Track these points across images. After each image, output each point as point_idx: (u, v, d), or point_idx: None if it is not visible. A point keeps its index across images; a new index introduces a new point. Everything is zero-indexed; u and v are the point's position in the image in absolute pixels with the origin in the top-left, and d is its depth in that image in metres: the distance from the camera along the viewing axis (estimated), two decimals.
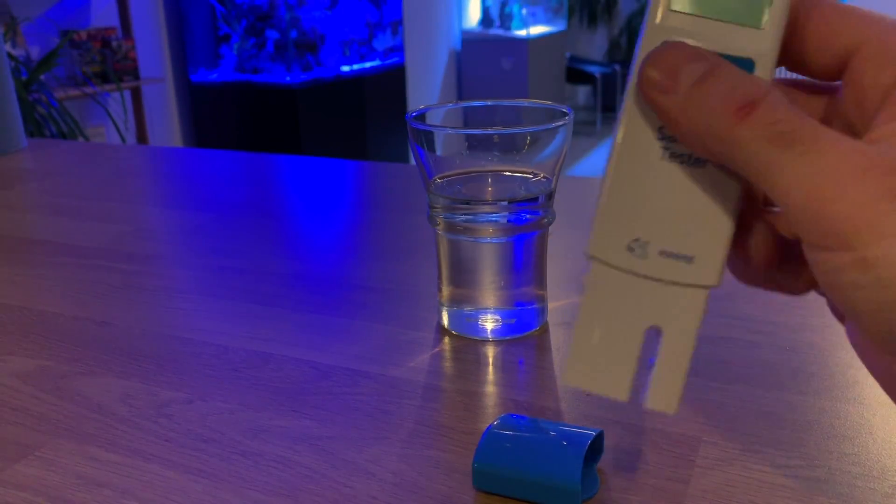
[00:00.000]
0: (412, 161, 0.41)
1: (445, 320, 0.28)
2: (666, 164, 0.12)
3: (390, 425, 0.22)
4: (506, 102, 0.28)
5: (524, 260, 0.27)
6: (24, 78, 1.46)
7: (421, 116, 0.26)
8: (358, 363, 0.26)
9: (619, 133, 0.13)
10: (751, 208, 0.13)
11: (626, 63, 3.54)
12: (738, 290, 0.32)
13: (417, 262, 0.35)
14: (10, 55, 1.42)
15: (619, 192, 0.13)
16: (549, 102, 0.27)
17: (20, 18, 1.60)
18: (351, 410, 0.23)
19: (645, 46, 0.12)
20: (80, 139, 1.51)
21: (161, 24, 2.05)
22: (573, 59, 3.44)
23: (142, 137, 1.91)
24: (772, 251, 0.13)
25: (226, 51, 2.13)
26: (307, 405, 0.23)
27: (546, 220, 0.27)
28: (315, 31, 2.16)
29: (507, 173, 0.26)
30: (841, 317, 0.14)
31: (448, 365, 0.26)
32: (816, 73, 0.13)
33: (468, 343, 0.27)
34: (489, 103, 0.28)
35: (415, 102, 2.62)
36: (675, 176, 0.12)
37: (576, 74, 3.40)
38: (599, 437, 0.19)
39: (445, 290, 0.28)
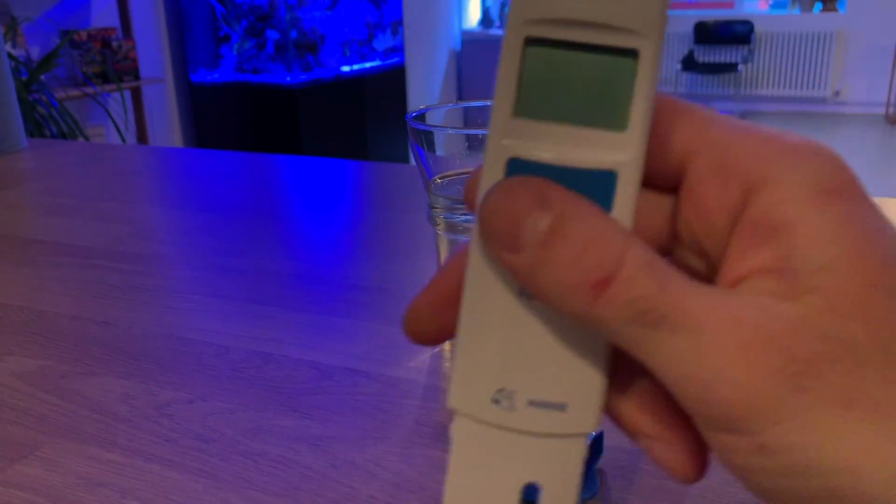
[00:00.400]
0: (412, 161, 0.41)
1: None
2: (524, 303, 0.11)
3: (390, 425, 0.22)
4: None
5: None
6: (24, 78, 1.46)
7: (421, 117, 0.26)
8: (358, 363, 0.26)
9: (468, 266, 0.11)
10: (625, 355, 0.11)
11: None
12: None
13: (417, 262, 0.35)
14: (10, 55, 1.42)
15: (475, 337, 0.11)
16: None
17: (20, 18, 1.60)
18: (351, 410, 0.23)
19: (486, 171, 0.10)
20: (81, 139, 1.51)
21: (161, 24, 2.05)
22: None
23: (142, 137, 1.91)
24: (654, 413, 0.11)
25: (226, 51, 2.13)
26: (307, 405, 0.23)
27: None
28: (315, 32, 2.16)
29: None
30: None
31: (448, 365, 0.26)
32: (649, 176, 0.11)
33: None
34: (489, 103, 0.28)
35: (415, 103, 2.62)
36: (536, 316, 0.11)
37: None
38: (599, 438, 0.19)
39: None
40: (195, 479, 0.20)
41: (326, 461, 0.21)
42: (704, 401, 0.09)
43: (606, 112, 0.10)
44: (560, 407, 0.11)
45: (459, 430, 0.11)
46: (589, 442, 0.11)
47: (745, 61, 3.44)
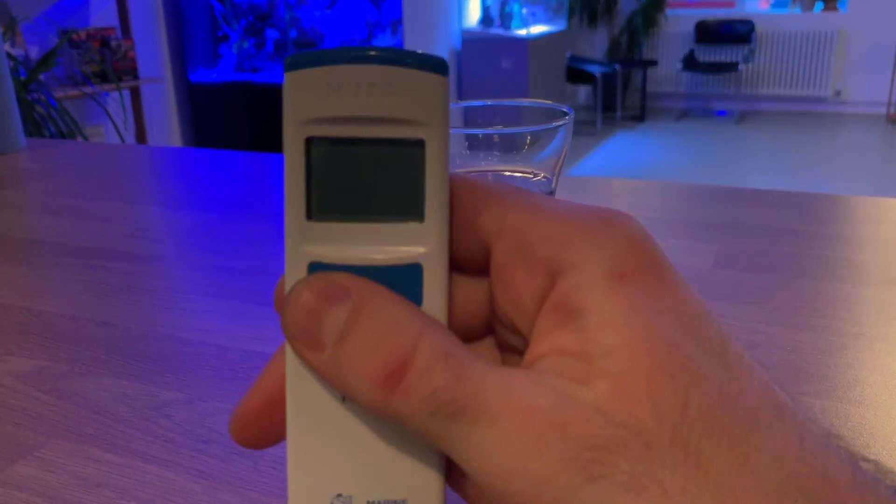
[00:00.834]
0: None
1: None
2: (346, 403, 0.10)
3: None
4: (506, 102, 0.28)
5: None
6: (23, 78, 1.46)
7: None
8: None
9: (287, 370, 0.10)
10: None
11: (626, 62, 3.54)
12: (738, 291, 0.32)
13: None
14: (9, 55, 1.42)
15: (304, 442, 0.11)
16: (550, 102, 0.26)
17: (19, 18, 1.60)
18: None
19: (289, 276, 0.10)
20: (80, 139, 1.51)
21: (160, 23, 2.04)
22: (573, 58, 3.44)
23: (141, 137, 1.90)
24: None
25: (225, 50, 2.13)
26: None
27: None
28: (315, 31, 2.16)
29: (507, 173, 0.26)
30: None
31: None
32: (463, 260, 0.11)
33: None
34: (489, 103, 0.28)
35: None
36: (359, 415, 0.10)
37: (576, 74, 3.40)
38: None
39: None
40: (194, 480, 0.20)
41: None
42: (505, 493, 0.09)
43: (401, 205, 0.10)
44: None
45: None
46: None
47: (745, 61, 3.44)
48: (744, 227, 0.39)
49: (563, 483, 0.09)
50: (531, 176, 0.26)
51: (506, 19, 3.17)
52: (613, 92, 3.44)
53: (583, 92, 3.73)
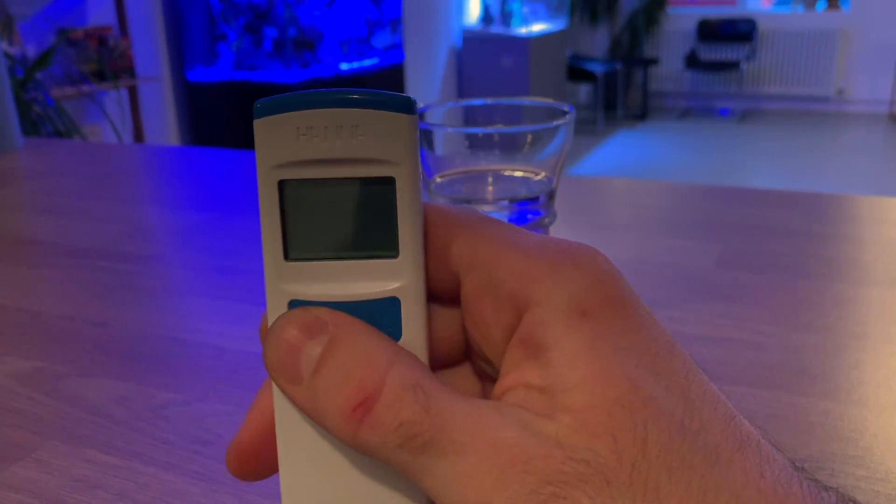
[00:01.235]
0: None
1: None
2: (332, 436, 0.10)
3: None
4: (506, 101, 0.27)
5: None
6: (20, 76, 1.45)
7: (421, 115, 0.26)
8: None
9: (275, 403, 0.11)
10: None
11: (628, 61, 3.54)
12: (740, 291, 0.32)
13: None
14: (6, 53, 1.42)
15: (295, 473, 0.11)
16: (550, 101, 0.26)
17: (16, 16, 1.59)
18: None
19: (271, 313, 0.11)
20: (77, 138, 1.50)
21: (158, 22, 2.04)
22: (574, 56, 3.44)
23: (138, 136, 1.90)
24: None
25: (223, 49, 2.12)
26: None
27: (547, 220, 0.26)
28: (313, 29, 2.15)
29: (508, 172, 0.26)
30: None
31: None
32: (439, 291, 0.11)
33: None
34: (489, 102, 0.27)
35: None
36: (346, 448, 0.11)
37: (577, 72, 3.39)
38: None
39: None
40: (192, 482, 0.20)
41: None
42: None
43: (375, 242, 0.10)
44: None
45: None
46: None
47: (748, 59, 3.43)
48: (746, 227, 0.39)
49: None
50: (532, 175, 0.26)
51: (506, 17, 3.16)
52: (615, 90, 3.43)
53: (584, 91, 3.72)
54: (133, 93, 1.89)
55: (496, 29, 3.11)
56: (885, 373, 0.24)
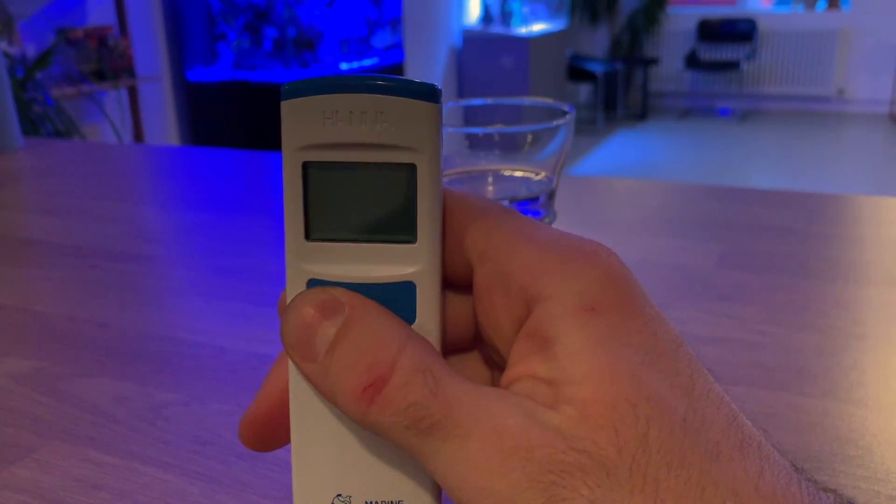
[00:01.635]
0: None
1: None
2: (340, 415, 0.11)
3: None
4: (506, 101, 0.27)
5: None
6: (20, 76, 1.45)
7: None
8: None
9: (290, 377, 0.11)
10: None
11: (628, 61, 3.53)
12: (741, 291, 0.32)
13: None
14: (5, 53, 1.42)
15: (308, 445, 0.11)
16: (551, 100, 0.26)
17: (16, 16, 1.59)
18: None
19: (290, 291, 0.11)
20: (77, 138, 1.50)
21: (158, 22, 2.04)
22: (574, 56, 3.44)
23: (138, 136, 1.90)
24: None
25: (223, 49, 2.12)
26: None
27: (547, 220, 0.26)
28: (313, 29, 2.15)
29: (508, 172, 0.26)
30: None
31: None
32: (453, 278, 0.11)
33: None
34: (490, 102, 0.27)
35: None
36: (355, 427, 0.11)
37: (577, 72, 3.39)
38: None
39: None
40: (192, 482, 0.20)
41: None
42: None
43: (394, 226, 0.11)
44: None
45: None
46: None
47: (748, 59, 3.43)
48: (746, 227, 0.39)
49: (526, 500, 0.09)
50: (532, 175, 0.26)
51: (506, 17, 3.16)
52: (615, 90, 3.43)
53: (584, 90, 3.72)
54: (133, 93, 1.89)
55: (496, 29, 3.11)
56: (885, 373, 0.24)
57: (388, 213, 0.11)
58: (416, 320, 0.11)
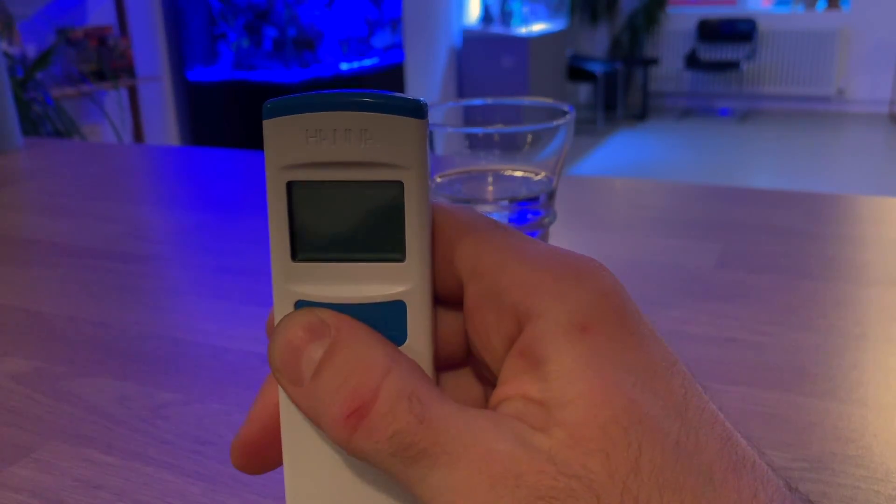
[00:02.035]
0: None
1: None
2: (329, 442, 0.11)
3: None
4: (506, 101, 0.27)
5: None
6: (20, 76, 1.45)
7: None
8: None
9: (280, 400, 0.11)
10: None
11: (628, 61, 3.53)
12: (740, 291, 0.32)
13: None
14: (5, 53, 1.42)
15: (299, 469, 0.11)
16: (550, 100, 0.26)
17: (16, 16, 1.59)
18: None
19: (277, 312, 0.11)
20: (77, 138, 1.50)
21: (158, 22, 2.04)
22: (574, 56, 3.44)
23: (138, 136, 1.90)
24: None
25: (223, 49, 2.12)
26: None
27: (547, 220, 0.26)
28: (313, 29, 2.15)
29: (508, 172, 0.26)
30: None
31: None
32: (444, 295, 0.11)
33: None
34: (490, 102, 0.27)
35: None
36: (344, 453, 0.11)
37: (577, 72, 3.39)
38: None
39: None
40: (192, 482, 0.20)
41: None
42: None
43: (382, 245, 0.10)
44: None
45: None
46: None
47: (748, 59, 3.43)
48: (746, 227, 0.39)
49: None
50: (532, 175, 0.26)
51: (506, 17, 3.16)
52: (615, 90, 3.43)
53: (584, 90, 3.72)
54: (133, 93, 1.89)
55: (496, 29, 3.11)
56: (885, 373, 0.24)
57: (376, 231, 0.10)
58: (407, 340, 0.11)
